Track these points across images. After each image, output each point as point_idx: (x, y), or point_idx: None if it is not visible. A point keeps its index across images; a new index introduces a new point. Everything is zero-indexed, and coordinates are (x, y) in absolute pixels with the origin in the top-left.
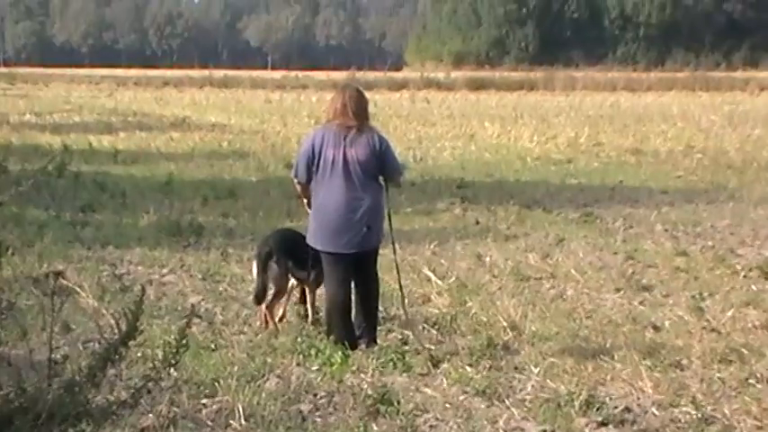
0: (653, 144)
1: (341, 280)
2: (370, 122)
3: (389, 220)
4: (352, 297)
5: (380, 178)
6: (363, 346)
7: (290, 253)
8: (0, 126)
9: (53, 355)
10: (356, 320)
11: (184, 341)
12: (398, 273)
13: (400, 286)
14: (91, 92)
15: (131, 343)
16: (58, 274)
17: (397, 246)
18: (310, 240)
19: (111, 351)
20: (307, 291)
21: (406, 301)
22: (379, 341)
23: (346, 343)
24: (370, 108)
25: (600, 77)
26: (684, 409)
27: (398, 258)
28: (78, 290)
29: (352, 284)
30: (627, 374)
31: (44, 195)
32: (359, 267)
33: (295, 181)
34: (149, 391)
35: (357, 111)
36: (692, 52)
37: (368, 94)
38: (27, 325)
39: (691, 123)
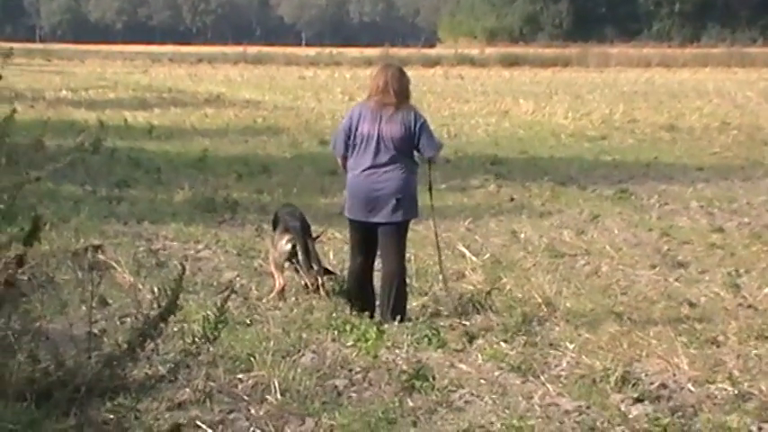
0: (688, 120)
1: (363, 248)
2: (409, 102)
3: (431, 196)
4: (379, 272)
5: (416, 155)
6: (395, 322)
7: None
8: (36, 102)
9: (92, 330)
10: (383, 295)
11: (223, 317)
12: (438, 249)
13: (440, 261)
14: (126, 68)
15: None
16: (97, 248)
17: (434, 221)
18: (345, 210)
19: (150, 326)
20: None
21: (444, 276)
22: (413, 317)
23: (362, 307)
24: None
25: (634, 54)
26: (721, 385)
27: (437, 235)
28: (114, 265)
29: (380, 260)
30: (662, 351)
31: (80, 171)
32: (385, 241)
33: (335, 154)
34: (187, 366)
35: (398, 89)
36: (727, 28)
37: None
38: (65, 299)
39: (726, 99)
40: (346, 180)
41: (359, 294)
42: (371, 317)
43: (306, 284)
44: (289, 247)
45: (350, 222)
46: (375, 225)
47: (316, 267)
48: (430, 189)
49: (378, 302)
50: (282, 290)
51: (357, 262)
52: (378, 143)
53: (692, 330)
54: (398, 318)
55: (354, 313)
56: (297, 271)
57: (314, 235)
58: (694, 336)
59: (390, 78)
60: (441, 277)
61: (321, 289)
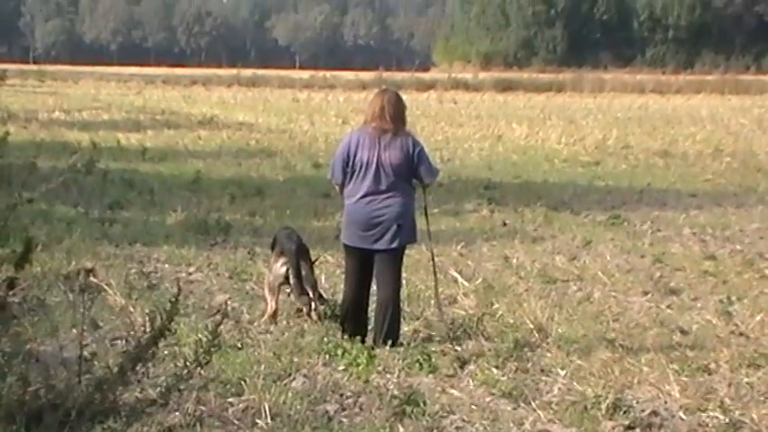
0: (681, 147)
1: (362, 277)
2: (406, 127)
3: (426, 220)
4: (374, 297)
5: (413, 181)
6: (387, 347)
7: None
8: (30, 123)
9: (83, 353)
10: (378, 320)
11: (216, 341)
12: (435, 276)
13: (436, 287)
14: (120, 90)
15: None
16: (89, 271)
17: (431, 245)
18: (342, 237)
19: (142, 349)
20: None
21: (438, 301)
22: (405, 342)
23: (356, 334)
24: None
25: (628, 79)
26: (712, 413)
27: (431, 259)
28: (106, 287)
29: (375, 285)
30: (654, 378)
31: (73, 192)
32: (383, 267)
33: (332, 182)
34: (178, 390)
35: (394, 115)
36: (721, 55)
37: None
38: (56, 322)
39: (720, 126)
40: (344, 207)
41: (353, 320)
42: (363, 341)
43: (299, 308)
44: (283, 270)
45: (347, 250)
46: (373, 252)
47: (310, 293)
48: (426, 214)
49: (371, 327)
50: (275, 313)
51: (353, 289)
52: (377, 170)
53: (683, 358)
54: (390, 342)
55: (346, 338)
56: (289, 295)
57: (312, 259)
58: (686, 363)
59: (387, 104)
60: (435, 302)
61: (314, 313)
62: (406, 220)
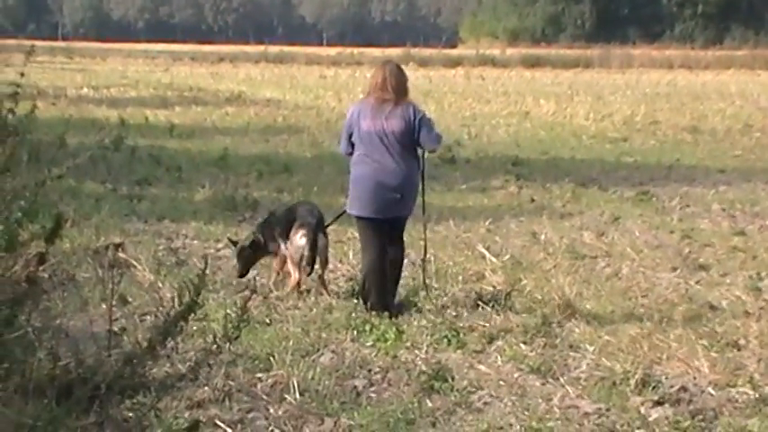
0: (710, 123)
1: (377, 246)
2: (408, 98)
3: (423, 192)
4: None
5: (418, 151)
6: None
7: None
8: (58, 100)
9: (112, 328)
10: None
11: (245, 316)
12: (425, 246)
13: (425, 257)
14: (147, 66)
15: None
16: (118, 246)
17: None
18: (349, 207)
19: (171, 324)
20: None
21: (460, 278)
22: (433, 317)
23: (380, 304)
24: (426, 85)
25: (657, 55)
26: (741, 389)
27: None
28: (135, 263)
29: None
30: (683, 354)
31: (101, 169)
32: (390, 233)
33: (343, 154)
34: (207, 365)
35: (396, 86)
36: (751, 30)
37: (423, 71)
38: (85, 297)
39: (749, 102)
40: (350, 176)
41: (380, 290)
42: (389, 312)
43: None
44: (303, 241)
45: (357, 221)
46: (383, 220)
47: (319, 267)
48: (423, 185)
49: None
50: (298, 284)
51: (373, 257)
52: (380, 139)
53: (712, 333)
54: (382, 308)
55: (369, 309)
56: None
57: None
58: (715, 339)
59: (389, 75)
60: (422, 269)
61: (322, 287)
62: (409, 189)
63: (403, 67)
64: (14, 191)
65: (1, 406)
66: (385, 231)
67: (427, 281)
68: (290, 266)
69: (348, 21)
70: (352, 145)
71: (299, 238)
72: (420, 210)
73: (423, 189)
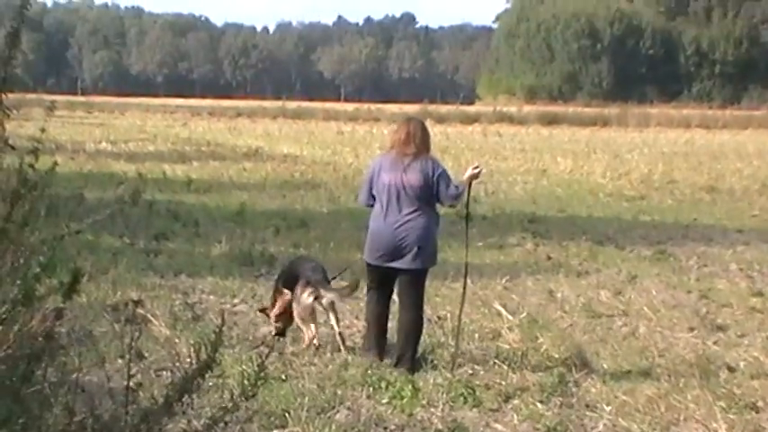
0: (728, 182)
1: (381, 287)
2: (428, 154)
3: (466, 253)
4: (395, 320)
5: (437, 205)
6: (403, 370)
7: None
8: (77, 154)
9: (129, 383)
10: (399, 342)
11: (262, 373)
12: (463, 297)
13: (460, 312)
14: (166, 121)
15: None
16: (137, 303)
17: (468, 279)
18: (365, 255)
19: (188, 380)
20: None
21: (476, 335)
22: (449, 375)
23: (376, 351)
24: (444, 141)
25: (674, 114)
26: None
27: (467, 289)
28: (151, 318)
29: (399, 307)
30: (700, 415)
31: (119, 223)
32: (404, 289)
33: (362, 205)
34: (224, 422)
35: (418, 142)
36: None
37: (440, 127)
38: (102, 352)
39: (767, 161)
40: (368, 227)
41: (374, 336)
42: (381, 359)
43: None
44: (310, 300)
45: (369, 268)
46: (395, 271)
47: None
48: (466, 246)
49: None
50: (313, 339)
51: (374, 305)
52: (398, 192)
53: (730, 395)
54: (406, 366)
55: (389, 371)
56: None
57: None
58: (733, 400)
59: (413, 130)
60: (456, 328)
61: (338, 338)
62: (426, 243)
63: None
64: (32, 246)
65: None
66: (391, 282)
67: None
68: (300, 326)
69: (366, 77)
70: (374, 197)
71: (307, 297)
72: (436, 266)
73: (467, 251)
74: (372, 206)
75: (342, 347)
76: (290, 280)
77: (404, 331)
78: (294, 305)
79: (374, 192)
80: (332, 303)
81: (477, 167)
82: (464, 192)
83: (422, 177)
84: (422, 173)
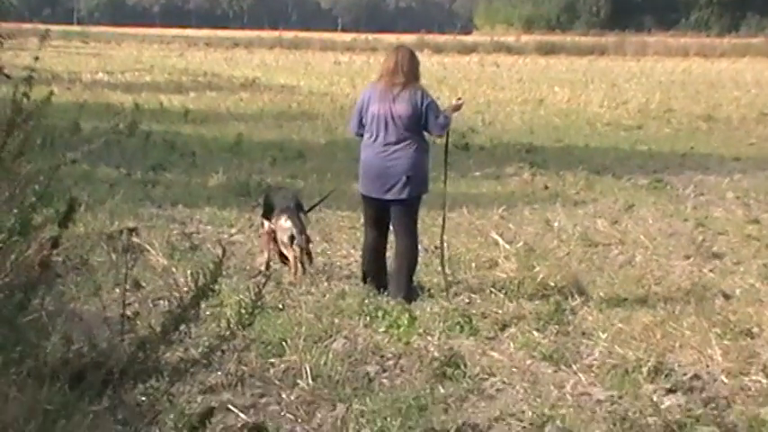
0: (725, 111)
1: (375, 224)
2: (418, 82)
3: (444, 180)
4: (391, 247)
5: (425, 135)
6: (397, 299)
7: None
8: (73, 84)
9: (125, 312)
10: (393, 272)
11: (259, 302)
12: (443, 227)
13: (441, 241)
14: (162, 51)
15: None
16: (132, 230)
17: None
18: (358, 186)
19: (185, 310)
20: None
21: (473, 265)
22: (446, 304)
23: (374, 282)
24: (441, 72)
25: (672, 43)
26: (755, 377)
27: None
28: (148, 248)
29: (393, 238)
30: (696, 342)
31: (115, 154)
32: (397, 218)
33: (352, 133)
34: (220, 351)
35: (407, 70)
36: (767, 18)
37: (437, 58)
38: (99, 281)
39: (765, 90)
40: (360, 157)
41: (371, 267)
42: (380, 290)
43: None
44: (289, 224)
45: (363, 199)
46: (387, 202)
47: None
48: (445, 175)
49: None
50: (298, 263)
51: (370, 237)
52: (387, 122)
53: (726, 322)
54: (402, 295)
55: (386, 300)
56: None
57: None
58: (728, 327)
59: (401, 59)
60: (440, 256)
61: (306, 262)
62: (415, 172)
63: (417, 52)
64: (28, 176)
65: (14, 389)
66: (387, 213)
67: (446, 270)
68: (283, 250)
69: (363, 7)
70: (363, 126)
71: (284, 221)
72: (434, 197)
73: (445, 178)
74: (362, 135)
75: (307, 264)
76: (267, 212)
77: (399, 258)
78: (276, 231)
79: (364, 121)
80: (302, 236)
81: (459, 99)
82: (451, 121)
83: (410, 107)
84: (410, 103)
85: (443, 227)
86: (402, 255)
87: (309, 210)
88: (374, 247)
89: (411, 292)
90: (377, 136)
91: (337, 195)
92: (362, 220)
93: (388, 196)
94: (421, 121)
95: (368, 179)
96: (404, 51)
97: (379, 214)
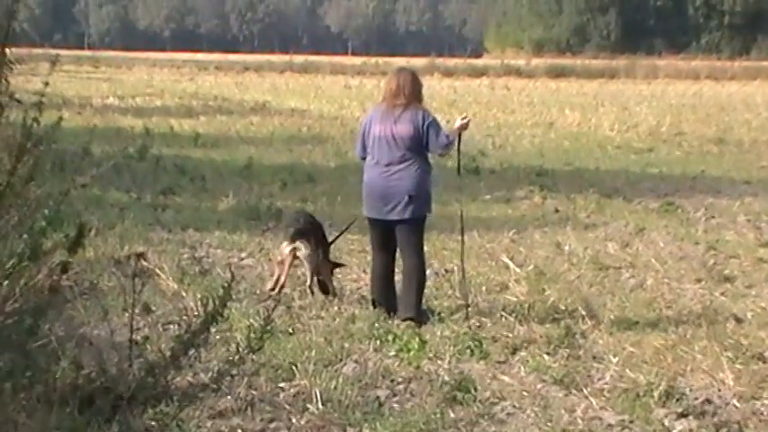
0: (736, 134)
1: (382, 247)
2: (421, 104)
3: (461, 204)
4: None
5: (428, 155)
6: (403, 319)
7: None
8: (84, 109)
9: (134, 337)
10: (402, 291)
11: (269, 326)
12: (462, 241)
13: (462, 262)
14: (173, 76)
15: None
16: (140, 255)
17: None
18: (363, 209)
19: (194, 334)
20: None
21: (484, 288)
22: (456, 328)
23: (384, 306)
24: (451, 95)
25: (683, 66)
26: (767, 401)
27: (467, 242)
28: (158, 272)
29: (400, 258)
30: (707, 366)
31: (125, 178)
32: (403, 239)
33: (357, 157)
34: (230, 375)
35: (408, 92)
36: None
37: (448, 81)
38: (108, 306)
39: None
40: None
41: (379, 291)
42: (390, 314)
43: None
44: (287, 250)
45: (369, 222)
46: (392, 223)
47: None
48: (460, 198)
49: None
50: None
51: (378, 261)
52: (389, 142)
53: (737, 345)
54: (409, 317)
55: (396, 323)
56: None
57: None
58: (740, 351)
59: (402, 81)
60: (461, 279)
61: (314, 287)
62: (418, 192)
63: (427, 76)
64: (38, 200)
65: (24, 415)
66: (392, 234)
67: (466, 294)
68: (275, 269)
69: (373, 30)
70: (365, 149)
71: (284, 246)
72: (444, 221)
73: (461, 201)
74: (364, 158)
75: (311, 295)
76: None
77: (407, 278)
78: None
79: (366, 144)
80: (306, 256)
81: (465, 117)
82: (455, 142)
83: (412, 127)
84: (412, 123)
85: (462, 250)
86: (410, 274)
87: (333, 241)
88: (382, 273)
89: (421, 314)
90: (379, 157)
91: (360, 225)
92: (371, 247)
93: (392, 216)
94: (423, 142)
95: (371, 200)
96: (405, 74)
97: (384, 236)
